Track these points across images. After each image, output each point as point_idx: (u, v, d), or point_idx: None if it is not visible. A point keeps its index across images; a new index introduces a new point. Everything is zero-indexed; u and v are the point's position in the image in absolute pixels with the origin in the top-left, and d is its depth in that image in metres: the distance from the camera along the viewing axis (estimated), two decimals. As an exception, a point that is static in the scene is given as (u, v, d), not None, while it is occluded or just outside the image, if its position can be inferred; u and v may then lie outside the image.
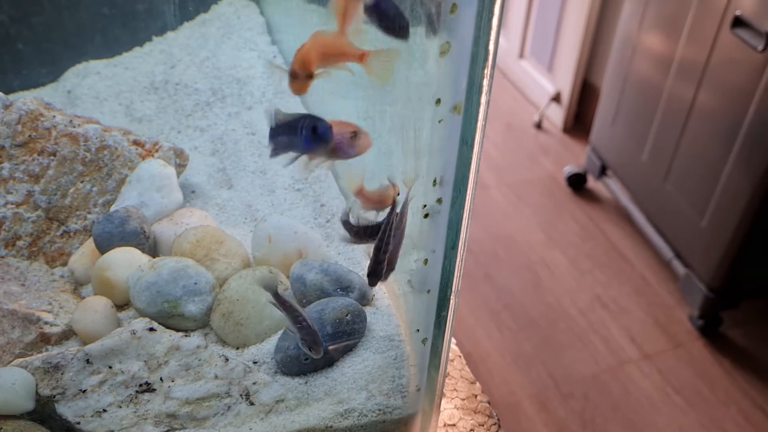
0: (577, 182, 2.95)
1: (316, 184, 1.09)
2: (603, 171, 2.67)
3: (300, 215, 1.04)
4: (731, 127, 1.70)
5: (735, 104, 1.68)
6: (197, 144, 1.17)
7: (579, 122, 3.31)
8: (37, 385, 0.78)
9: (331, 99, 1.13)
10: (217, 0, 1.42)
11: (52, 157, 0.99)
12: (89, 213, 1.01)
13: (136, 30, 1.42)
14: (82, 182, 1.01)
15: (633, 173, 2.26)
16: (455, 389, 0.99)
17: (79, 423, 0.78)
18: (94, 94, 1.28)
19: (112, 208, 0.99)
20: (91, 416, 0.78)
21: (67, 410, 0.78)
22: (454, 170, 0.63)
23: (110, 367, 0.80)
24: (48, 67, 1.40)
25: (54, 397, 0.78)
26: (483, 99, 0.60)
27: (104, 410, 0.79)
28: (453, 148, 0.62)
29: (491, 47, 0.57)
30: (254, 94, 1.23)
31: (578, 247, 2.74)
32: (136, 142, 1.03)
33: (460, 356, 1.03)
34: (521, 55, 3.58)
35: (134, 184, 1.00)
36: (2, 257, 0.96)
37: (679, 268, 2.15)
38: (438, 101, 0.58)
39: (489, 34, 0.56)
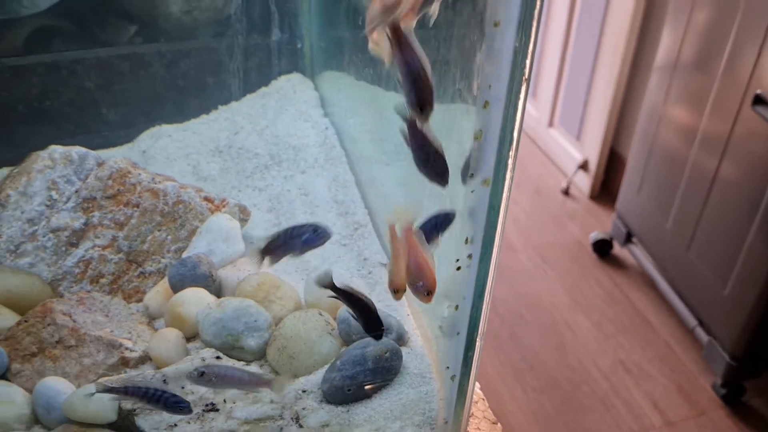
0: (602, 248, 3.05)
1: (360, 240, 1.24)
2: (628, 238, 2.73)
3: (345, 266, 1.18)
4: (753, 198, 1.75)
5: (757, 176, 1.72)
6: (256, 202, 1.33)
7: (605, 190, 3.43)
8: (119, 400, 0.92)
9: (377, 166, 1.29)
10: (276, 75, 1.61)
11: (135, 209, 1.15)
12: (163, 257, 1.17)
13: (205, 99, 1.61)
14: (159, 231, 1.16)
15: (657, 241, 2.31)
16: (478, 428, 1.10)
17: (154, 435, 0.91)
18: (166, 154, 1.46)
19: (184, 255, 1.15)
20: (164, 430, 0.91)
21: (144, 423, 0.91)
22: (483, 232, 0.77)
23: (182, 388, 0.93)
24: (126, 129, 1.59)
25: (134, 411, 0.92)
26: (508, 174, 0.74)
27: (175, 425, 0.92)
28: (482, 213, 0.76)
29: (515, 134, 0.71)
30: (307, 160, 1.40)
31: (602, 312, 2.82)
32: (206, 198, 1.19)
33: (483, 399, 1.15)
34: (551, 124, 3.74)
35: (204, 235, 1.15)
36: (88, 291, 1.12)
37: (703, 335, 2.18)
38: (471, 175, 0.73)
39: (514, 123, 0.71)
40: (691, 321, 2.19)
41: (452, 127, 0.78)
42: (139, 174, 1.16)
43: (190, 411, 0.85)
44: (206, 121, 1.54)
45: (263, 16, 1.56)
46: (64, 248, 1.13)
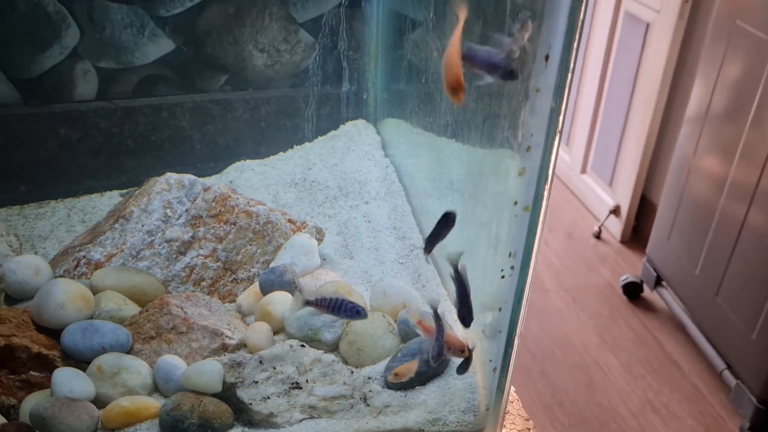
0: (632, 291, 3.16)
1: (415, 260, 1.47)
2: (658, 282, 2.77)
3: (403, 281, 1.41)
4: None
5: None
6: (326, 226, 1.57)
7: (636, 235, 3.59)
8: (224, 374, 1.15)
9: (430, 199, 1.52)
10: (344, 121, 1.87)
11: (233, 226, 1.40)
12: (252, 267, 1.41)
13: (282, 139, 1.87)
14: (250, 245, 1.41)
15: (686, 286, 2.33)
16: (513, 423, 1.30)
17: (251, 404, 1.13)
18: (250, 185, 1.71)
19: (271, 265, 1.39)
20: (259, 400, 1.14)
21: (243, 394, 1.14)
22: (523, 247, 0.99)
23: (274, 368, 1.16)
24: (215, 162, 1.86)
25: (236, 384, 1.15)
26: (543, 203, 0.97)
27: (268, 398, 1.14)
28: (523, 233, 0.98)
29: (550, 172, 0.94)
30: (370, 193, 1.64)
31: (631, 353, 2.94)
32: (290, 220, 1.43)
33: (517, 399, 1.35)
34: (583, 170, 3.94)
35: (288, 250, 1.39)
36: (192, 291, 1.36)
37: (731, 379, 2.18)
38: (515, 203, 0.96)
39: (549, 163, 0.93)
40: (720, 365, 2.20)
41: (499, 165, 1.02)
42: (237, 198, 1.41)
43: (365, 316, 1.13)
44: (283, 158, 1.80)
45: (335, 70, 1.83)
46: (174, 255, 1.38)
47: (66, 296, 1.22)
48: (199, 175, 1.86)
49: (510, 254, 1.01)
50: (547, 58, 0.85)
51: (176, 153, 1.86)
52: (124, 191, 1.77)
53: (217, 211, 1.40)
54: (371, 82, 1.84)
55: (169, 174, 1.43)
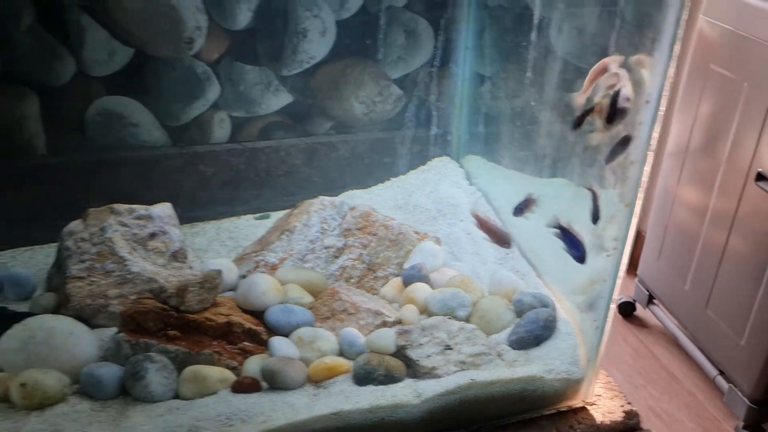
0: (627, 310, 3.36)
1: (511, 261, 1.89)
2: (650, 300, 2.88)
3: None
4: (760, 266, 1.93)
5: (762, 247, 1.90)
6: (431, 239, 1.98)
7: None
8: (396, 339, 1.54)
9: (517, 219, 1.94)
10: (431, 158, 2.31)
11: (374, 236, 1.81)
12: (388, 267, 1.82)
13: (379, 173, 2.30)
14: (387, 251, 1.82)
15: (677, 302, 2.45)
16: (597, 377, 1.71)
17: (418, 360, 1.53)
18: (360, 209, 2.13)
19: (405, 265, 1.79)
20: (425, 358, 1.53)
21: (412, 353, 1.53)
22: (624, 232, 1.42)
23: (432, 334, 1.56)
24: (326, 192, 2.26)
25: (405, 346, 1.54)
26: (638, 202, 1.40)
27: (429, 356, 1.54)
28: (624, 222, 1.42)
29: (645, 179, 1.37)
30: (463, 213, 2.07)
31: (631, 366, 3.20)
32: (416, 232, 1.85)
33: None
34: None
35: (417, 253, 1.81)
36: (347, 286, 1.76)
37: (723, 383, 2.27)
38: (629, 204, 1.38)
39: (643, 173, 1.37)
40: (712, 371, 2.30)
41: (602, 180, 1.46)
42: (377, 215, 1.83)
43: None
44: (383, 187, 2.23)
45: (426, 116, 2.28)
46: (330, 259, 1.78)
47: (266, 286, 1.62)
48: (314, 204, 2.28)
49: (615, 239, 1.44)
50: (647, 101, 1.30)
51: (292, 185, 2.27)
52: (257, 215, 2.18)
53: (362, 225, 1.81)
54: (455, 125, 2.29)
55: (321, 197, 1.85)
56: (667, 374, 2.55)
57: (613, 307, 1.52)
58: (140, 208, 1.79)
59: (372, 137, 2.31)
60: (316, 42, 2.13)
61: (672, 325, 2.40)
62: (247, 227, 2.08)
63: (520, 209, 1.56)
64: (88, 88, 2.01)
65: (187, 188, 2.17)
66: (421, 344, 1.54)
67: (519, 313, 1.67)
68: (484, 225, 1.58)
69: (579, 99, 1.50)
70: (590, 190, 1.42)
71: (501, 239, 1.56)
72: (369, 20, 2.17)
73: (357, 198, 2.17)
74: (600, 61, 1.42)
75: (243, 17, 2.06)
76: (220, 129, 2.20)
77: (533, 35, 1.89)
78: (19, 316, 1.58)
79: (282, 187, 2.27)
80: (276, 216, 2.13)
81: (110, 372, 1.45)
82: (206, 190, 2.20)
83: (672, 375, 2.57)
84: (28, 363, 1.46)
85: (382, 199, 2.15)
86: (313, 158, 2.28)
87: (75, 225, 1.76)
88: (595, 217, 1.45)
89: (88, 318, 1.63)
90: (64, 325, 1.52)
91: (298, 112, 2.27)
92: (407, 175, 2.28)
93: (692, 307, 2.25)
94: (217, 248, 1.98)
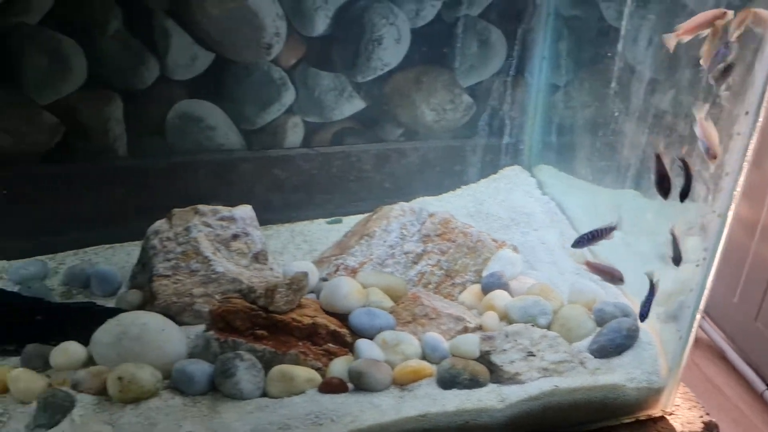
0: None
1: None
2: None
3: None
4: None
5: None
6: (504, 247, 1.99)
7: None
8: (480, 344, 1.56)
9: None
10: (502, 167, 2.33)
11: (452, 243, 1.83)
12: (466, 275, 1.83)
13: (450, 180, 2.32)
14: (465, 258, 1.84)
15: (726, 314, 2.41)
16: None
17: (502, 366, 1.54)
18: (432, 215, 2.14)
19: (483, 273, 1.81)
20: (508, 363, 1.54)
21: (496, 359, 1.54)
22: (713, 244, 1.42)
23: (515, 340, 1.57)
24: (396, 198, 2.26)
25: (489, 352, 1.55)
26: (730, 213, 1.39)
27: (512, 362, 1.55)
28: (714, 234, 1.41)
29: (738, 190, 1.37)
30: (537, 222, 2.07)
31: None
32: (494, 240, 1.86)
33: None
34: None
35: (495, 261, 1.82)
36: (426, 292, 1.78)
37: None
38: (721, 215, 1.38)
39: (738, 184, 1.37)
40: (761, 385, 2.27)
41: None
42: (456, 222, 1.85)
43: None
44: (454, 195, 2.25)
45: (498, 125, 2.30)
46: (409, 264, 1.81)
47: (349, 289, 1.65)
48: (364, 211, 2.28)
49: (705, 249, 1.43)
50: (747, 112, 1.30)
51: (362, 190, 2.30)
52: (329, 219, 2.22)
53: (441, 231, 1.83)
54: (528, 135, 2.30)
55: (401, 203, 1.87)
56: (712, 387, 2.51)
57: (698, 317, 1.51)
58: (223, 210, 1.84)
59: (443, 145, 2.33)
60: (391, 49, 2.17)
61: (718, 338, 2.36)
62: (320, 231, 2.12)
63: (591, 238, 1.58)
64: (170, 91, 2.07)
65: (261, 191, 2.22)
66: (504, 350, 1.56)
67: (600, 322, 1.67)
68: (597, 269, 1.62)
69: (671, 42, 1.39)
70: (672, 234, 1.43)
71: (614, 278, 1.60)
72: (443, 29, 2.20)
73: (428, 205, 2.19)
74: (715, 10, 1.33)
75: (321, 24, 2.10)
76: (294, 134, 2.24)
77: (612, 46, 1.89)
78: (110, 312, 1.64)
79: (352, 192, 2.30)
80: (347, 220, 2.16)
81: (201, 369, 1.49)
82: (279, 194, 2.24)
83: (718, 388, 2.51)
84: (121, 357, 1.50)
85: (453, 207, 2.17)
86: (384, 164, 2.31)
87: (160, 224, 1.81)
88: (677, 259, 1.46)
89: (174, 315, 1.67)
90: (156, 321, 1.57)
91: (370, 119, 2.30)
92: (478, 183, 2.29)
93: (741, 320, 2.21)
94: (293, 251, 2.02)
